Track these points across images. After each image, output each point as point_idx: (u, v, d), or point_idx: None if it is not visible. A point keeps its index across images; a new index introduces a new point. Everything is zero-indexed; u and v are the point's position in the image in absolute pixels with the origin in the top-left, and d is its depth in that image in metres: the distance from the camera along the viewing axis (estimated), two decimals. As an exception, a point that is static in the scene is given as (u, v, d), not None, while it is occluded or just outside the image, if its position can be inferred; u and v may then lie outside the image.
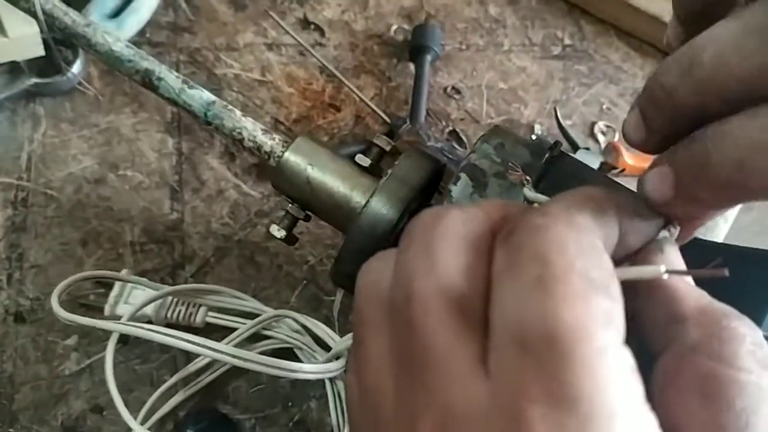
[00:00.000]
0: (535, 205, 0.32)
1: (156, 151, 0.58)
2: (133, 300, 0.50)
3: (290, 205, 0.46)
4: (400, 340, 0.20)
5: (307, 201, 0.45)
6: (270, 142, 0.47)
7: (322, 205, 0.45)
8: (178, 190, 0.56)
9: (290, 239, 0.46)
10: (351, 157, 0.45)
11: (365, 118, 0.62)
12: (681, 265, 0.23)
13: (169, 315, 0.50)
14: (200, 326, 0.50)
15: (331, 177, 0.45)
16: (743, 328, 0.20)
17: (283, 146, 0.46)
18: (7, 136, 0.56)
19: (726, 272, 0.20)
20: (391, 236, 0.42)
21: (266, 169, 0.58)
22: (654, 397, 0.19)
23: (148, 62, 0.49)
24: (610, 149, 0.62)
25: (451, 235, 0.21)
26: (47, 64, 0.57)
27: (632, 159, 0.60)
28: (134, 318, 0.49)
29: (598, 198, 0.22)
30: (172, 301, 0.50)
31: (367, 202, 0.42)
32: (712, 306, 0.21)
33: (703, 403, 0.19)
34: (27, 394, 0.48)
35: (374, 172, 0.45)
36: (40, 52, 0.57)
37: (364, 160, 0.45)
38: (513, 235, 0.20)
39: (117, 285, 0.50)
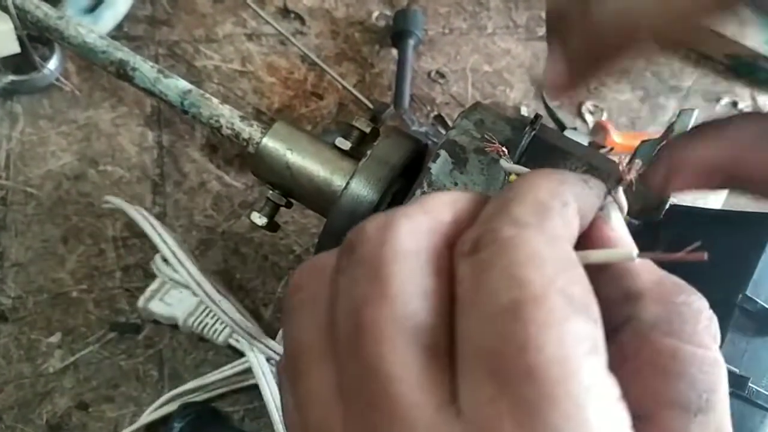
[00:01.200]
0: (513, 176, 0.31)
1: (136, 145, 0.57)
2: (169, 299, 0.49)
3: (271, 191, 0.45)
4: (349, 376, 0.17)
5: (288, 186, 0.44)
6: (248, 128, 0.46)
7: (302, 190, 0.44)
8: (160, 183, 0.56)
9: (272, 226, 0.46)
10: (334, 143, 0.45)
11: (348, 106, 0.61)
12: (625, 229, 0.21)
13: (195, 324, 0.49)
14: (222, 345, 0.49)
15: (310, 161, 0.44)
16: (698, 302, 0.19)
17: (261, 132, 0.45)
18: (-16, 134, 0.56)
19: (705, 256, 0.19)
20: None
21: (249, 159, 0.57)
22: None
23: (122, 53, 0.48)
24: (598, 128, 0.61)
25: (402, 252, 0.18)
26: (23, 62, 0.56)
27: (620, 137, 0.60)
28: (164, 319, 0.49)
29: (558, 190, 0.19)
30: (202, 311, 0.49)
31: (347, 184, 0.41)
32: (666, 280, 0.20)
33: (665, 380, 0.18)
34: (11, 394, 0.47)
35: (355, 155, 0.44)
36: (15, 49, 0.56)
37: (345, 144, 0.44)
38: (480, 251, 0.17)
39: (157, 281, 0.49)
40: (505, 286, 0.16)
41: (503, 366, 0.16)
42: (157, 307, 0.48)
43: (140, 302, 0.48)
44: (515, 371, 0.15)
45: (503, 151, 0.31)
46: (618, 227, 0.21)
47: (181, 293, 0.49)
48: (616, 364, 0.17)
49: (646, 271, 0.20)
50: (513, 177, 0.32)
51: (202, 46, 0.62)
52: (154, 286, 0.49)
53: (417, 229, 0.18)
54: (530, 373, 0.15)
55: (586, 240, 0.20)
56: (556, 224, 0.18)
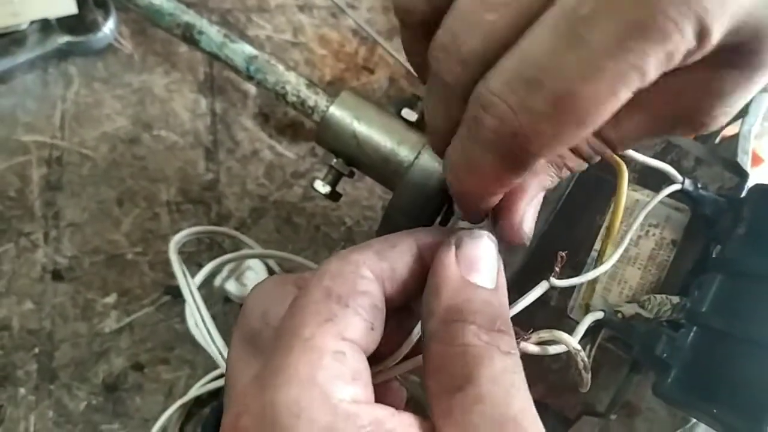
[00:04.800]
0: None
1: (189, 111, 0.57)
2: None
3: (335, 160, 0.45)
4: None
5: (353, 156, 0.44)
6: (314, 96, 0.46)
7: (368, 159, 0.44)
8: (213, 150, 0.56)
9: (334, 195, 0.46)
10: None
11: (399, 81, 0.61)
12: (475, 257, 0.25)
13: None
14: None
15: (377, 131, 0.44)
16: (474, 319, 0.22)
17: (327, 101, 0.45)
18: (39, 95, 0.55)
19: None
20: (441, 192, 0.41)
21: (301, 129, 0.57)
22: None
23: (188, 16, 0.48)
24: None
25: (256, 293, 0.26)
26: (78, 23, 0.56)
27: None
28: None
29: (397, 238, 0.25)
30: None
31: (417, 156, 0.41)
32: (456, 304, 0.23)
33: (435, 376, 0.22)
34: (67, 352, 0.48)
35: (421, 126, 0.44)
36: (73, 9, 0.56)
37: (411, 115, 0.44)
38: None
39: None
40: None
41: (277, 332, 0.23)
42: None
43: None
44: (274, 335, 0.23)
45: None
46: (467, 255, 0.25)
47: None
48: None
49: (448, 294, 0.23)
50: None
51: (254, 16, 0.62)
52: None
53: (277, 280, 0.27)
54: (276, 334, 0.22)
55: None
56: (360, 254, 0.24)
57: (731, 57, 0.20)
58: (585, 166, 0.26)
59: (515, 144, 0.20)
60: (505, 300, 0.25)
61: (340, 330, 0.22)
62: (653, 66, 0.18)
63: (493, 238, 0.25)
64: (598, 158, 0.26)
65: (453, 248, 0.24)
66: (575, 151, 0.25)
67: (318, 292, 0.22)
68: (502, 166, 0.21)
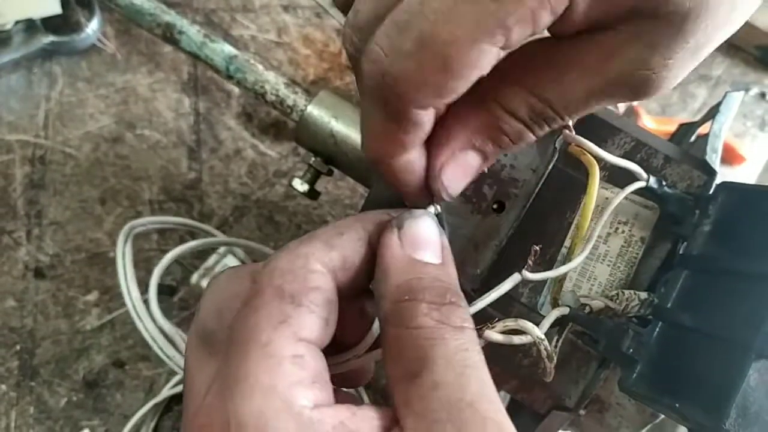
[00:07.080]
0: (573, 147, 0.32)
1: (173, 111, 0.57)
2: None
3: (313, 159, 0.46)
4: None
5: (331, 154, 0.45)
6: (293, 96, 0.46)
7: (345, 158, 0.45)
8: (196, 149, 0.56)
9: (313, 193, 0.46)
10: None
11: (383, 81, 0.61)
12: (421, 239, 0.25)
13: None
14: None
15: (355, 130, 0.44)
16: (423, 296, 0.23)
17: (306, 100, 0.46)
18: (23, 94, 0.56)
19: None
20: (416, 189, 0.42)
21: (284, 129, 0.58)
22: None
23: (169, 16, 0.48)
24: (630, 113, 0.61)
25: (211, 290, 0.25)
26: (63, 23, 0.57)
27: (652, 122, 0.60)
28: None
29: (344, 224, 0.25)
30: None
31: (393, 153, 0.42)
32: (407, 283, 0.23)
33: (392, 361, 0.22)
34: (48, 349, 0.48)
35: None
36: (57, 9, 0.56)
37: (388, 114, 0.45)
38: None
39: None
40: (250, 291, 0.23)
41: (231, 336, 0.22)
42: None
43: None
44: (231, 339, 0.22)
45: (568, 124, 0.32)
46: (412, 236, 0.25)
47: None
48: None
49: (396, 276, 0.23)
50: (574, 148, 0.32)
51: (238, 16, 0.62)
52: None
53: (231, 275, 0.26)
54: (233, 340, 0.22)
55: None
56: (309, 247, 0.24)
57: (647, 8, 0.21)
58: (528, 136, 0.25)
59: (386, 87, 0.21)
60: (454, 273, 0.25)
61: (295, 331, 0.22)
62: (514, 20, 0.19)
63: (433, 215, 0.26)
64: (542, 129, 0.24)
65: (395, 229, 0.24)
66: (511, 112, 0.24)
67: (269, 292, 0.22)
68: (384, 117, 0.22)
